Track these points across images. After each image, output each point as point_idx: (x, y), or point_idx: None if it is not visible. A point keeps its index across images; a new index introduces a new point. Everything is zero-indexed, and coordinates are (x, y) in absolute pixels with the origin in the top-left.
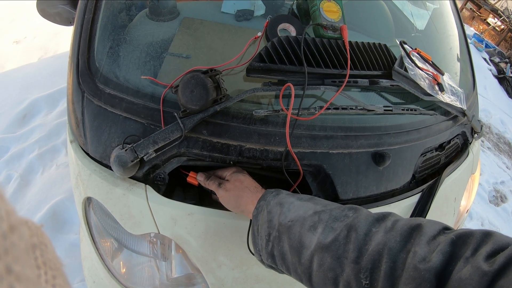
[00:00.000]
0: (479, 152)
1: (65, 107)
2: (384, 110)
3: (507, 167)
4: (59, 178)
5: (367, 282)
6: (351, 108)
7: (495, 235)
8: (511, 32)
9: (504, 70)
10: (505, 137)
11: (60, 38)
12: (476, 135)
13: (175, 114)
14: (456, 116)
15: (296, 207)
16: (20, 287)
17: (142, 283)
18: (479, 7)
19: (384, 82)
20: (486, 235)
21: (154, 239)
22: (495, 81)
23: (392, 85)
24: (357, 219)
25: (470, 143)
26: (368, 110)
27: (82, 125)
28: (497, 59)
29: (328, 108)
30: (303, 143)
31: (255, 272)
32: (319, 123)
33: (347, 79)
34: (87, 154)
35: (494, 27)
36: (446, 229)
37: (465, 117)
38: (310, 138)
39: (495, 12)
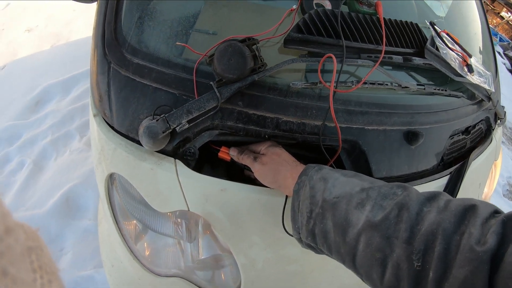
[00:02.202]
0: (501, 140)
1: (79, 93)
2: (417, 88)
3: None
4: (72, 164)
5: (419, 264)
6: (387, 84)
7: None
8: None
9: None
10: None
11: (73, 26)
12: (499, 121)
13: (211, 83)
14: (480, 101)
15: (341, 183)
16: None
17: (166, 265)
18: (493, 0)
19: (417, 60)
20: None
21: (179, 220)
22: (509, 75)
23: (425, 64)
24: (408, 197)
25: (493, 130)
26: (403, 87)
27: (107, 97)
28: (511, 53)
29: (365, 83)
30: (339, 117)
31: (288, 253)
32: (355, 98)
33: (382, 54)
34: (112, 128)
35: (508, 21)
36: (496, 212)
37: (490, 102)
38: (346, 113)
39: (509, 6)
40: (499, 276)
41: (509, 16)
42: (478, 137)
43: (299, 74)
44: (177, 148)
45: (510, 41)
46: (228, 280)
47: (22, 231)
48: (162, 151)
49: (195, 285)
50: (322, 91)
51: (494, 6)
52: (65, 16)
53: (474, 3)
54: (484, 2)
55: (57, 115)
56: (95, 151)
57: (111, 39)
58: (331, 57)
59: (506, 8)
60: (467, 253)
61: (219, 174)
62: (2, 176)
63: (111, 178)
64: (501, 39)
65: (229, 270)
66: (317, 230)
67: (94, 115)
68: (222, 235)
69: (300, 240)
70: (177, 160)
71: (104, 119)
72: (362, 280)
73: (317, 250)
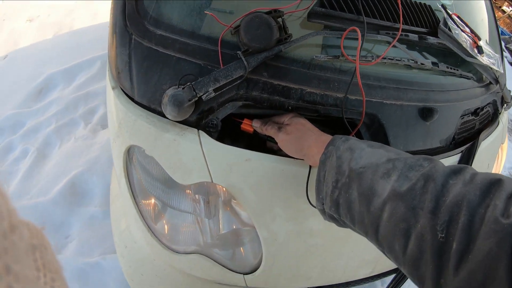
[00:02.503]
0: (507, 123)
1: (83, 81)
2: (432, 66)
3: None
4: (78, 151)
5: (443, 235)
6: (404, 60)
7: None
8: None
9: None
10: None
11: (75, 15)
12: (505, 105)
13: (238, 52)
14: (488, 84)
15: (368, 153)
16: (19, 287)
17: (186, 242)
18: None
19: (431, 39)
20: None
21: (197, 196)
22: (510, 68)
23: (438, 43)
24: (434, 169)
25: (500, 113)
26: (419, 64)
27: (128, 69)
28: (506, 53)
29: (384, 58)
30: (360, 91)
31: (310, 225)
32: (373, 73)
33: (400, 31)
34: (132, 100)
35: (509, 15)
36: None
37: (497, 85)
38: (366, 87)
39: (510, 0)
40: None
41: (510, 10)
42: (486, 119)
43: (321, 48)
44: (200, 119)
45: (511, 35)
46: (248, 255)
47: (27, 229)
48: (184, 122)
49: (215, 261)
50: (344, 65)
51: (495, 1)
52: (67, 6)
53: None
54: None
55: (61, 103)
56: (113, 125)
57: (132, 12)
58: (354, 31)
59: (507, 2)
60: (492, 225)
61: (241, 146)
62: (5, 165)
63: (129, 154)
64: (502, 33)
65: (250, 245)
66: (342, 200)
67: (113, 88)
68: (245, 207)
69: (323, 211)
70: (200, 131)
71: (124, 92)
72: (384, 253)
73: (340, 222)
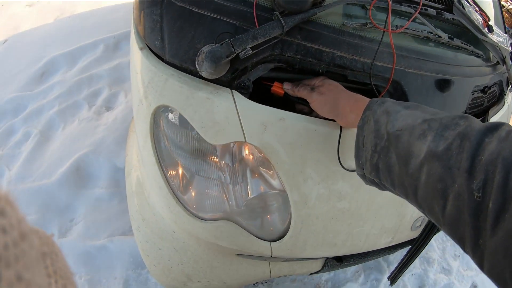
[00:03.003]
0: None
1: (86, 64)
2: (448, 40)
3: None
4: (82, 133)
5: (479, 195)
6: (424, 32)
7: None
8: None
9: None
10: None
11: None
12: (511, 86)
13: (275, 13)
14: (496, 64)
15: (403, 115)
16: None
17: (212, 209)
18: None
19: (447, 15)
20: None
21: (223, 164)
22: (509, 62)
23: (453, 19)
24: (470, 127)
25: (505, 94)
26: (437, 37)
27: (159, 28)
28: (511, 40)
29: (406, 29)
30: (385, 58)
31: (339, 188)
32: (396, 43)
33: (420, 5)
34: (161, 60)
35: (507, 10)
36: None
37: (504, 66)
38: (390, 55)
39: None
40: None
41: (509, 5)
42: (493, 98)
43: (349, 16)
44: (232, 80)
45: (510, 29)
46: (276, 221)
47: (37, 236)
48: (217, 82)
49: (242, 227)
50: (371, 32)
51: None
52: None
53: None
54: None
55: (64, 86)
56: (139, 86)
57: None
58: (383, 0)
59: None
60: None
61: None
62: (7, 148)
63: (155, 119)
64: None
65: (277, 211)
66: (381, 164)
67: (141, 48)
68: (278, 168)
69: (363, 176)
70: (233, 91)
71: (153, 52)
72: (425, 214)
73: (381, 186)
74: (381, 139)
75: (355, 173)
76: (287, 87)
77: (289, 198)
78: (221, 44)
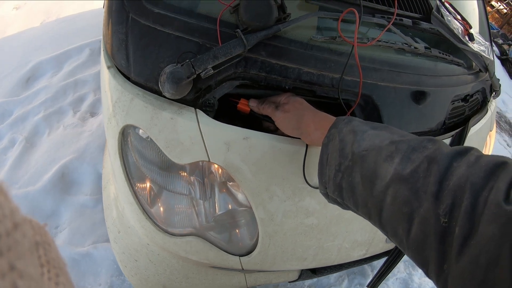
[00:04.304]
0: (495, 111)
1: (71, 68)
2: (425, 50)
3: (507, 145)
4: (67, 139)
5: (446, 220)
6: (398, 43)
7: None
8: None
9: (507, 51)
10: (506, 116)
11: (63, 3)
12: (494, 93)
13: (237, 30)
14: (478, 72)
15: (370, 136)
16: (23, 284)
17: (181, 224)
18: None
19: (424, 25)
20: None
21: (192, 179)
22: (498, 62)
23: (431, 28)
24: (438, 151)
25: (489, 101)
26: (412, 48)
27: (124, 47)
28: (500, 41)
29: (379, 40)
30: (355, 72)
31: (306, 205)
32: (368, 55)
33: (395, 15)
34: (128, 79)
35: (497, 10)
36: None
37: (487, 73)
38: (361, 69)
39: None
40: None
41: (499, 6)
42: (475, 106)
43: (318, 30)
44: (197, 98)
45: (499, 29)
46: (244, 236)
47: (30, 226)
48: (181, 101)
49: (211, 243)
50: (340, 46)
51: None
52: None
53: None
54: None
55: (50, 91)
56: (109, 104)
57: None
58: (351, 13)
59: None
60: (494, 209)
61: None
62: None
63: (124, 136)
64: (491, 27)
65: (245, 227)
66: (345, 183)
67: (108, 67)
68: (242, 187)
69: (326, 194)
70: (197, 109)
71: (120, 70)
72: (388, 237)
73: (343, 206)
74: (345, 158)
75: None
76: (253, 104)
77: (255, 215)
78: (182, 65)
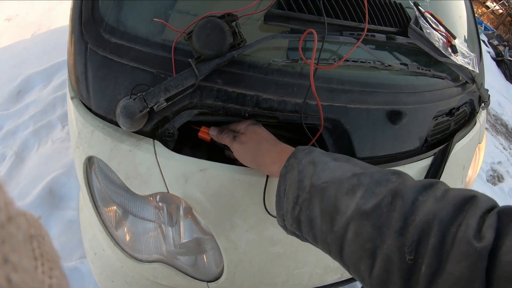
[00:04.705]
0: (485, 123)
1: (60, 82)
2: (401, 67)
3: (504, 148)
4: (55, 154)
5: (411, 257)
6: (369, 62)
7: None
8: (510, 17)
9: (503, 53)
10: (502, 118)
11: (53, 14)
12: (483, 104)
13: (189, 60)
14: (465, 83)
15: (331, 167)
16: (17, 277)
17: (148, 251)
18: None
19: (400, 39)
20: None
21: (160, 204)
22: (493, 63)
23: (409, 43)
24: (403, 184)
25: (477, 113)
26: (386, 66)
27: (84, 78)
28: (495, 42)
29: (346, 60)
30: (321, 95)
31: (270, 234)
32: (337, 76)
33: (365, 31)
34: (90, 110)
35: (493, 11)
36: (495, 206)
37: (474, 85)
38: (328, 91)
39: None
40: (496, 275)
41: (494, 6)
42: (462, 119)
43: (281, 51)
44: (155, 129)
45: (495, 30)
46: (211, 264)
47: (24, 219)
48: (140, 132)
49: (178, 269)
50: (304, 69)
51: None
52: (46, 4)
53: None
54: None
55: (39, 105)
56: (73, 135)
57: (88, 18)
58: (312, 33)
59: None
60: (463, 247)
61: (200, 154)
62: None
63: (89, 163)
64: (486, 28)
65: (212, 254)
66: (303, 217)
67: (72, 98)
68: (203, 217)
69: (284, 227)
70: (155, 141)
71: (82, 101)
72: (349, 272)
73: (302, 239)
74: (304, 190)
75: None
76: (213, 132)
77: (218, 244)
78: (134, 99)
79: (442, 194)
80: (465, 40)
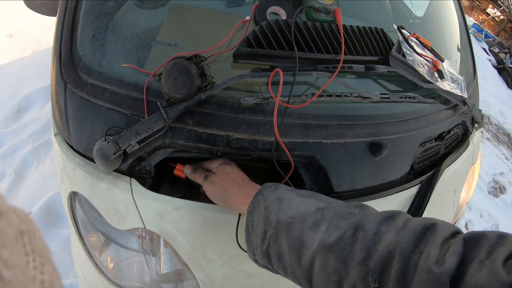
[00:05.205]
0: (480, 143)
1: None
2: (381, 98)
3: (506, 158)
4: (53, 173)
5: (376, 286)
6: (346, 96)
7: (509, 238)
8: (511, 23)
9: (504, 60)
10: (504, 128)
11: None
12: (476, 125)
13: (158, 103)
14: (456, 105)
15: (296, 203)
16: (8, 272)
17: (130, 279)
18: None
19: (381, 68)
20: (501, 237)
21: (143, 234)
22: (495, 71)
23: (389, 71)
24: (365, 217)
25: (471, 133)
26: (364, 98)
27: (65, 117)
28: (496, 49)
29: (321, 95)
30: (295, 132)
31: (246, 268)
32: (312, 111)
33: (340, 64)
34: (71, 147)
35: (493, 17)
36: (457, 232)
37: (466, 106)
38: (302, 127)
39: (494, 2)
40: None
41: (495, 13)
42: (454, 142)
43: (254, 89)
44: (132, 167)
45: (496, 38)
46: None
47: (15, 214)
48: (118, 170)
49: None
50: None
51: (480, 3)
52: (47, 22)
53: (451, 1)
54: None
55: (39, 123)
56: (58, 170)
57: (67, 59)
58: (286, 69)
59: (491, 4)
60: (424, 274)
61: (178, 190)
62: None
63: (73, 195)
64: (486, 36)
65: (192, 283)
66: (272, 251)
67: (55, 134)
68: (179, 252)
69: (256, 261)
70: (132, 179)
71: (64, 139)
72: None
73: (273, 271)
74: (270, 226)
75: None
76: (187, 171)
77: (196, 278)
78: (108, 142)
79: (403, 224)
80: (459, 48)
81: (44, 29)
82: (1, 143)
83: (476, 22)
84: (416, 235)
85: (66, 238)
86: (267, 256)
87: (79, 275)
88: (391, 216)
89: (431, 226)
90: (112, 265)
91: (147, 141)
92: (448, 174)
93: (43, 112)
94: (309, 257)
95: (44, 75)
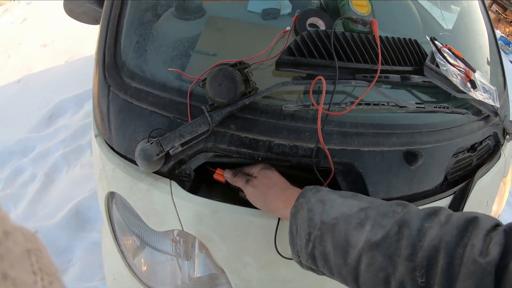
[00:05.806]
0: (511, 155)
1: (91, 108)
2: (417, 107)
3: None
4: (83, 178)
5: (423, 280)
6: (383, 104)
7: None
8: None
9: None
10: None
11: (87, 41)
12: (508, 136)
13: (203, 107)
14: (487, 116)
15: (339, 204)
16: None
17: (163, 282)
18: (505, 9)
19: (416, 78)
20: None
21: (177, 237)
22: (503, 113)
23: (424, 81)
24: (408, 214)
25: (502, 145)
26: (400, 107)
27: (107, 119)
28: None
29: (359, 104)
30: (334, 139)
31: (283, 274)
32: (350, 119)
33: (378, 73)
34: (112, 148)
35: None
36: (498, 225)
37: (497, 117)
38: (341, 135)
39: None
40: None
41: None
42: (486, 153)
43: (294, 96)
44: (172, 170)
45: None
46: None
47: (21, 234)
48: (158, 172)
49: None
50: (316, 114)
51: (506, 15)
52: (80, 32)
53: (480, 13)
54: (496, 11)
55: (70, 129)
56: (97, 170)
57: (111, 63)
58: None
59: None
60: (470, 266)
61: (216, 194)
62: (14, 187)
63: (111, 195)
64: None
65: None
66: (317, 252)
67: (96, 136)
68: (215, 256)
69: (300, 263)
70: (172, 181)
71: (105, 140)
72: None
73: (319, 272)
74: (314, 227)
75: None
76: (227, 175)
77: (231, 282)
78: (151, 143)
79: (445, 219)
80: (488, 64)
81: (78, 39)
82: (33, 147)
83: (503, 35)
84: (459, 229)
85: (92, 242)
86: (312, 258)
87: (109, 277)
88: (433, 212)
89: (473, 219)
90: (145, 267)
91: (190, 144)
92: (481, 185)
93: (75, 119)
94: (355, 256)
95: (77, 84)
